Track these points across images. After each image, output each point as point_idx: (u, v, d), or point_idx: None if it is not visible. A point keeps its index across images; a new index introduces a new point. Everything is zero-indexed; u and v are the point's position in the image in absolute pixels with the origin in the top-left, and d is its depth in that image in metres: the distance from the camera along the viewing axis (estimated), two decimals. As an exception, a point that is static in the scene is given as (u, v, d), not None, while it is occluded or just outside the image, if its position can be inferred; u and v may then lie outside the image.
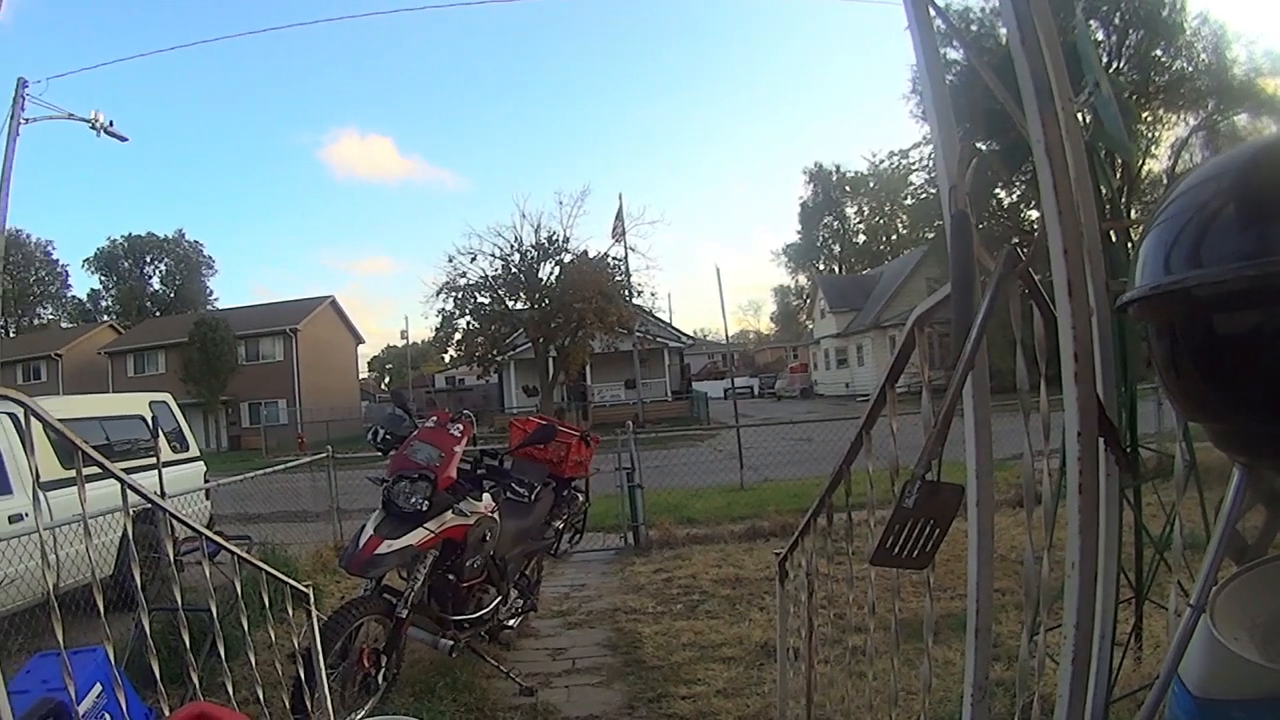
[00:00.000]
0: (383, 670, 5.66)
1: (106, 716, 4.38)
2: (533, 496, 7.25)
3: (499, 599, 6.83)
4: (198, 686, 3.63)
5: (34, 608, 6.79)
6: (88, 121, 23.15)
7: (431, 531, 5.85)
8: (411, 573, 5.91)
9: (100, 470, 3.08)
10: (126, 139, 25.00)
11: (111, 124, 23.65)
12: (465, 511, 6.11)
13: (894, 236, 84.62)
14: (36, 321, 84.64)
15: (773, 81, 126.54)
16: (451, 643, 6.16)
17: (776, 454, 16.56)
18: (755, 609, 7.90)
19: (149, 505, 3.56)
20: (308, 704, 4.80)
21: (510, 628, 7.37)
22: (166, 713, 3.42)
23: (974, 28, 38.76)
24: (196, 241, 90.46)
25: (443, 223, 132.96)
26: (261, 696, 4.23)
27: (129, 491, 3.33)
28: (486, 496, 6.52)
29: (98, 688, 4.42)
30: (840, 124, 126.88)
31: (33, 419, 2.79)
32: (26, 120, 20.58)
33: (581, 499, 8.30)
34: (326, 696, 4.76)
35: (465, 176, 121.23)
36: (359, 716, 5.39)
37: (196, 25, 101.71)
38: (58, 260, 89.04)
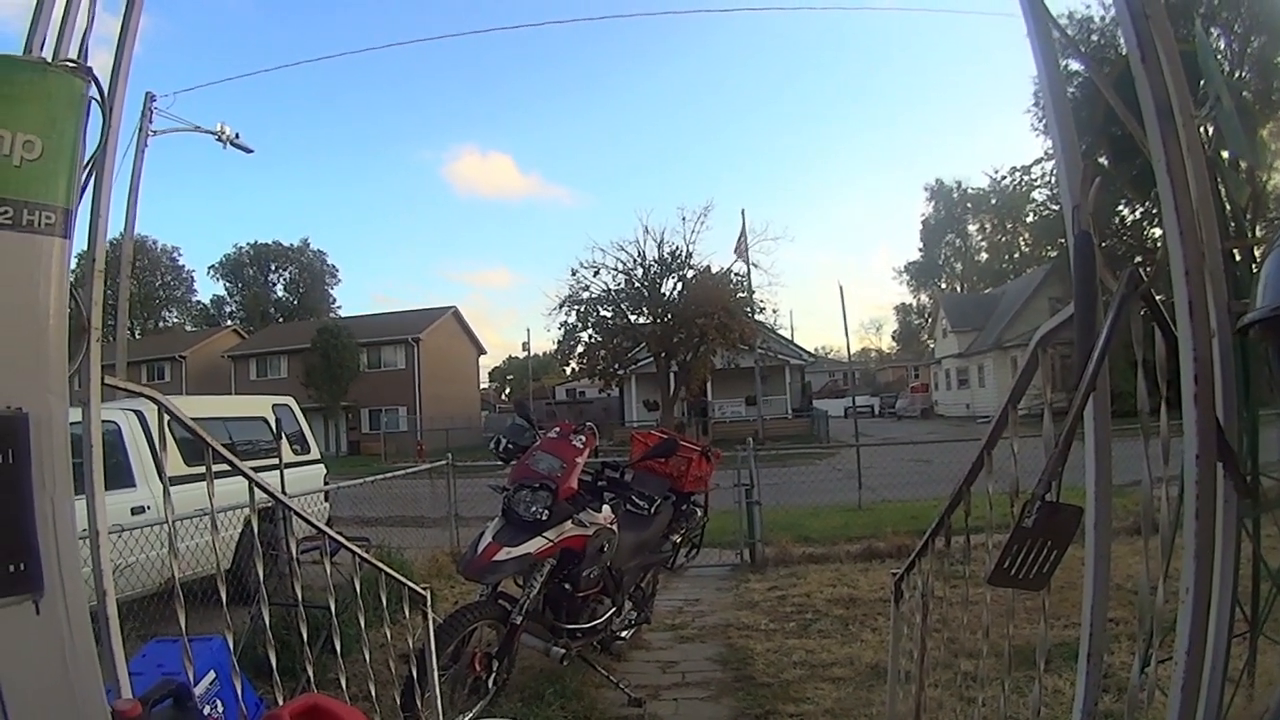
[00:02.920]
0: (493, 675, 5.73)
1: (218, 703, 4.54)
2: (652, 510, 7.27)
3: (613, 610, 6.86)
4: (311, 679, 3.74)
5: (148, 596, 6.99)
6: (214, 134, 23.78)
7: (550, 541, 5.90)
8: (528, 580, 5.96)
9: (207, 470, 3.20)
10: (252, 151, 25.59)
11: (237, 136, 24.21)
12: (584, 522, 6.15)
13: (1016, 255, 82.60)
14: (161, 324, 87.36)
15: (895, 95, 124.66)
16: (563, 651, 6.21)
17: (895, 475, 16.37)
18: (867, 630, 7.80)
19: (270, 504, 3.67)
20: (418, 703, 4.89)
21: (622, 639, 7.39)
22: (280, 702, 3.52)
23: (1095, 38, 37.82)
24: (321, 251, 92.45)
25: (563, 237, 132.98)
26: (374, 693, 4.34)
27: (253, 489, 3.44)
28: (606, 508, 6.54)
29: (211, 674, 4.58)
30: (962, 139, 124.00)
31: (161, 417, 2.91)
32: (154, 133, 21.24)
33: (700, 514, 8.23)
34: (437, 697, 4.85)
35: (585, 193, 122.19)
36: (467, 718, 5.48)
37: (323, 41, 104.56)
38: (183, 266, 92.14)
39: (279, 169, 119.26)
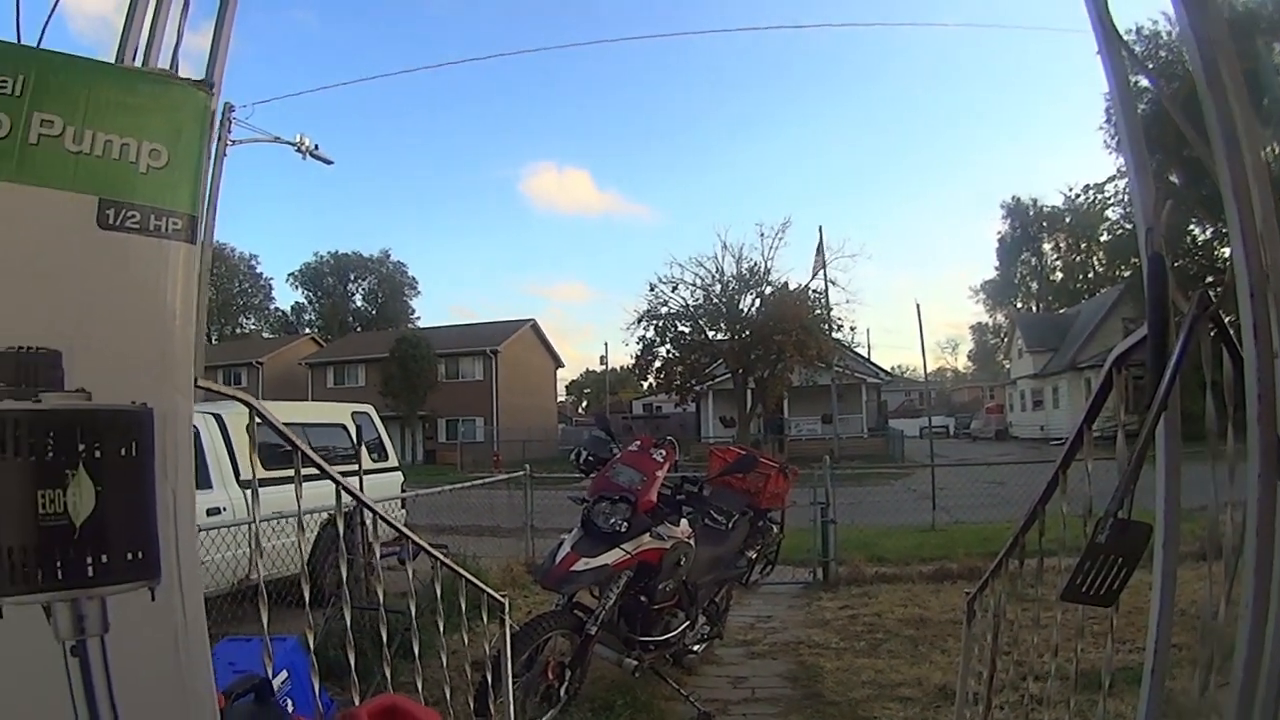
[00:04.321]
0: (566, 684, 5.79)
1: (289, 701, 4.65)
2: (729, 525, 7.31)
3: (687, 623, 6.89)
4: (389, 680, 3.84)
5: (220, 596, 7.12)
6: (293, 145, 24.09)
7: (628, 553, 5.96)
8: (604, 591, 6.02)
9: (295, 472, 3.30)
10: (331, 162, 25.90)
11: (317, 147, 24.49)
12: (662, 535, 6.19)
13: (1090, 274, 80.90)
14: (239, 331, 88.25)
15: (973, 110, 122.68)
16: (636, 663, 6.27)
17: (968, 496, 16.15)
18: (937, 651, 7.76)
19: (348, 508, 3.76)
20: (490, 708, 4.98)
21: (695, 653, 7.40)
22: (356, 702, 3.62)
23: (1163, 53, 37.15)
24: (401, 263, 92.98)
25: (641, 253, 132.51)
26: (448, 696, 4.44)
27: (339, 493, 3.53)
28: (684, 522, 6.58)
29: (284, 673, 4.70)
30: (1038, 155, 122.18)
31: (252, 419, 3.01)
32: (234, 142, 21.61)
33: (776, 530, 8.29)
34: (510, 703, 4.92)
35: (663, 209, 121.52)
36: None
37: (403, 56, 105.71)
38: (261, 274, 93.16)
39: (360, 181, 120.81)
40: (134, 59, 2.50)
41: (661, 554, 6.20)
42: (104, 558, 1.46)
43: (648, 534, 6.09)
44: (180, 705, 1.58)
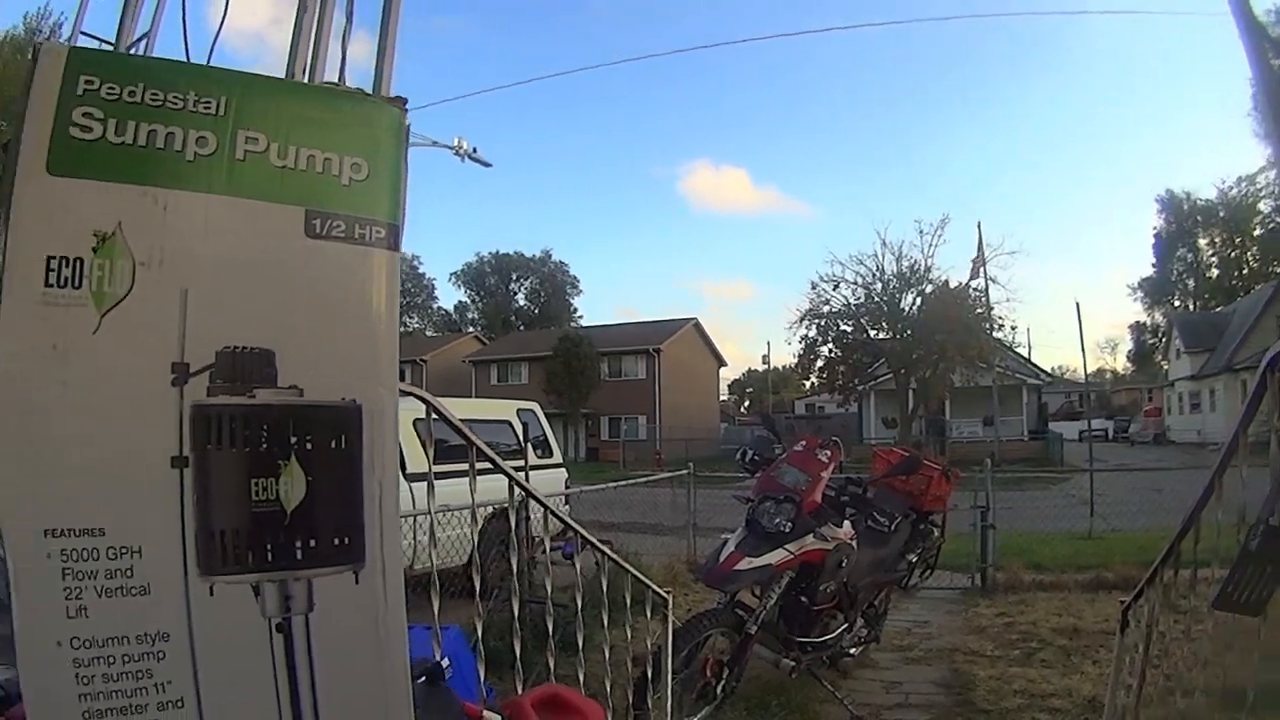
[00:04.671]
0: (723, 682, 5.78)
1: (449, 685, 4.76)
2: (891, 527, 7.22)
3: (845, 626, 6.85)
4: (551, 671, 3.93)
5: None
6: (451, 148, 24.46)
7: (791, 553, 5.94)
8: (766, 591, 6.01)
9: (458, 467, 3.38)
10: (490, 164, 26.26)
11: (475, 150, 24.85)
12: (825, 536, 6.15)
13: (1245, 270, 76.81)
14: (402, 329, 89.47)
15: (1128, 101, 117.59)
16: (793, 664, 6.25)
17: (1126, 503, 15.56)
18: (1088, 661, 7.52)
19: (506, 503, 3.84)
20: (648, 703, 5.04)
21: (851, 656, 7.35)
22: (519, 692, 3.69)
23: None
24: (562, 262, 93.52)
25: (801, 250, 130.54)
26: (608, 690, 4.52)
27: (512, 487, 3.62)
28: (847, 524, 6.51)
29: (446, 660, 4.81)
30: (1192, 145, 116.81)
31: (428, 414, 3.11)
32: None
33: (937, 534, 8.18)
34: (667, 699, 4.97)
35: (820, 205, 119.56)
36: None
37: (558, 58, 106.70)
38: (424, 274, 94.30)
39: (519, 183, 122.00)
40: (303, 73, 2.63)
41: (824, 555, 6.16)
42: (312, 542, 1.56)
43: (811, 535, 6.05)
44: (377, 683, 1.66)
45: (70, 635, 1.43)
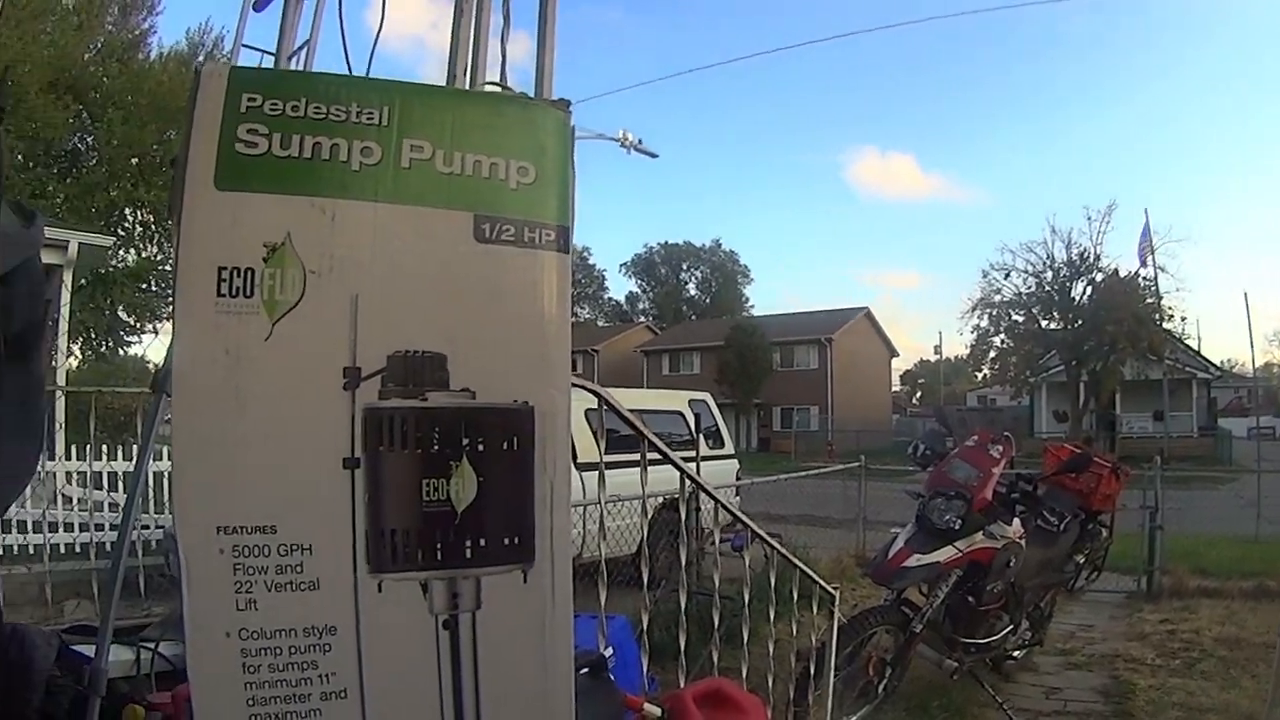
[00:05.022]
0: (885, 680, 5.73)
1: (612, 676, 4.79)
2: (1060, 527, 7.04)
3: (1009, 628, 6.68)
4: (715, 663, 3.91)
5: None
6: (616, 140, 24.69)
7: (960, 551, 5.85)
8: (933, 589, 5.93)
9: (629, 457, 3.38)
10: (656, 155, 26.43)
11: (640, 141, 25.04)
12: (995, 535, 6.03)
13: None
14: (573, 320, 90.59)
15: None
16: (956, 665, 6.13)
17: (1293, 506, 14.94)
18: (1247, 675, 7.21)
19: (676, 494, 3.83)
20: (809, 699, 5.00)
21: (1014, 659, 7.16)
22: (682, 683, 3.70)
23: None
24: (732, 251, 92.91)
25: (972, 238, 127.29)
26: (770, 684, 4.48)
27: (657, 478, 3.59)
28: (1016, 522, 6.37)
29: (610, 650, 4.84)
30: None
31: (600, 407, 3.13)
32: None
33: (1105, 535, 7.93)
34: (828, 696, 4.92)
35: (990, 191, 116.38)
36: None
37: (720, 45, 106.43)
38: (594, 265, 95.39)
39: (686, 173, 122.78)
40: (463, 75, 2.65)
41: (993, 554, 6.01)
42: (482, 542, 1.57)
43: (980, 533, 5.93)
44: (539, 681, 1.67)
45: (239, 627, 1.46)
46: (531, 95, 2.22)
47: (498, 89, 2.70)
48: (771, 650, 4.41)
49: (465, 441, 1.55)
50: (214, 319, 1.44)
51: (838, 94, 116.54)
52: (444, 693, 1.57)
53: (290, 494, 1.49)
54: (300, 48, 3.70)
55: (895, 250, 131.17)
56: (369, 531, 1.52)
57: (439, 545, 1.55)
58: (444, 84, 2.65)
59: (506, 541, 1.60)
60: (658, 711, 2.94)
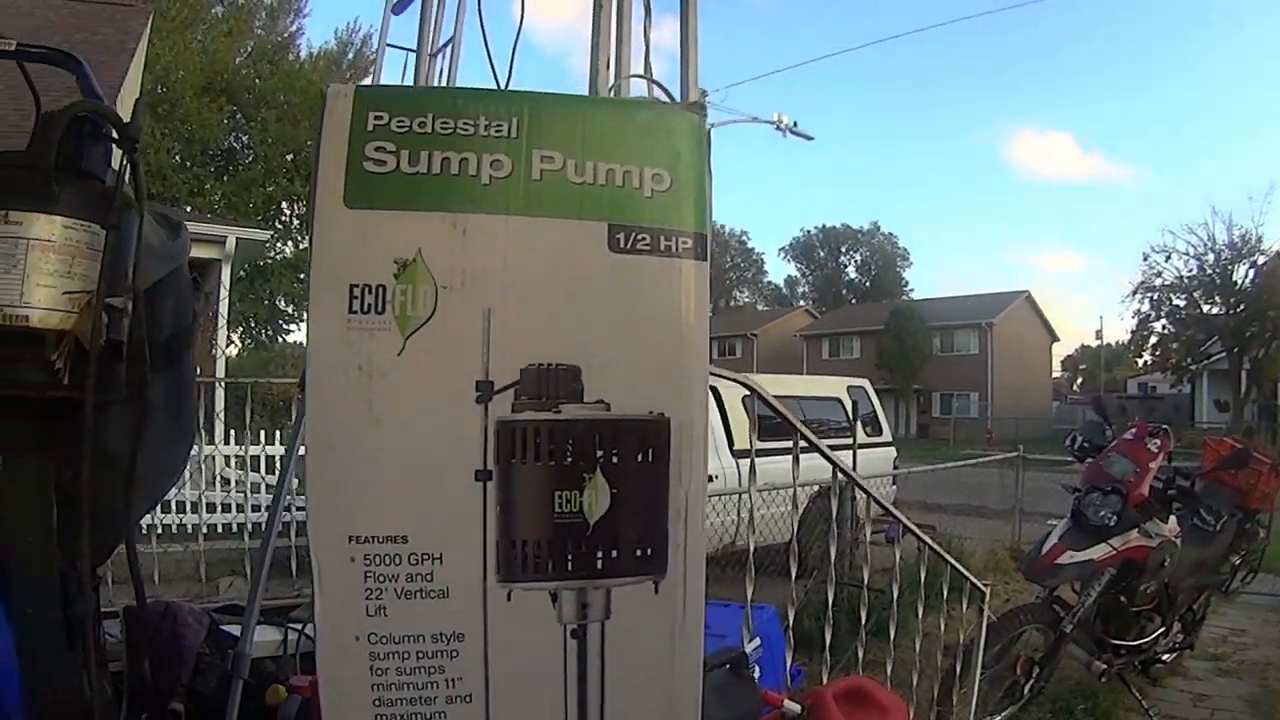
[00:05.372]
0: (1031, 681, 5.56)
1: (758, 668, 4.75)
2: (1217, 526, 6.73)
3: (1161, 630, 6.38)
4: (860, 659, 3.86)
5: (706, 560, 7.34)
6: (771, 123, 24.69)
7: (1114, 549, 5.60)
8: (1085, 588, 5.70)
9: (784, 445, 3.34)
10: (812, 138, 26.41)
11: (795, 124, 25.02)
12: (1150, 532, 5.77)
13: None
14: (732, 304, 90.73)
15: None
16: (1105, 666, 5.90)
17: None
18: None
19: (829, 482, 3.78)
20: (953, 697, 4.89)
21: (1164, 662, 6.81)
22: (825, 677, 3.66)
23: None
24: (891, 234, 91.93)
25: (1132, 219, 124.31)
26: (914, 681, 4.40)
27: (813, 465, 3.55)
28: (1172, 519, 6.09)
29: (757, 640, 4.81)
30: None
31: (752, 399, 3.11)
32: (712, 125, 22.48)
33: (1262, 535, 7.56)
34: (973, 695, 4.82)
35: (1151, 170, 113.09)
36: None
37: (871, 26, 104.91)
38: (753, 249, 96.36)
39: (842, 156, 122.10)
40: (607, 69, 2.63)
41: (1147, 553, 5.76)
42: (614, 553, 1.56)
43: (1135, 530, 5.67)
44: (667, 692, 1.66)
45: (368, 632, 1.50)
46: (678, 89, 2.20)
47: (641, 79, 2.68)
48: (918, 646, 4.32)
49: (599, 453, 1.54)
50: (346, 335, 1.45)
51: (992, 71, 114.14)
52: (569, 700, 1.58)
53: (422, 505, 1.50)
54: (445, 45, 3.77)
55: (1055, 232, 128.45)
56: (499, 542, 1.52)
57: (570, 556, 1.55)
58: (589, 77, 2.66)
59: (638, 553, 1.59)
60: (797, 709, 2.93)
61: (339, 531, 1.49)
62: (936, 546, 4.33)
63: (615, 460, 1.54)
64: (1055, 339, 66.31)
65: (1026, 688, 5.57)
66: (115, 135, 1.53)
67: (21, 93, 1.68)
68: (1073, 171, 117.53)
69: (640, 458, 1.56)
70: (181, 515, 9.11)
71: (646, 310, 1.57)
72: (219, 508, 10.07)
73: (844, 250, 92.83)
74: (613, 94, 2.76)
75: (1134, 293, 45.87)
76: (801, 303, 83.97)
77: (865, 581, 3.89)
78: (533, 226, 1.53)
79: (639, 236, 1.57)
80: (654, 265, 1.57)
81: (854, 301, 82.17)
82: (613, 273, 1.55)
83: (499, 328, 1.50)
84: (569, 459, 1.53)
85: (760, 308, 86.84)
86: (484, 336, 1.50)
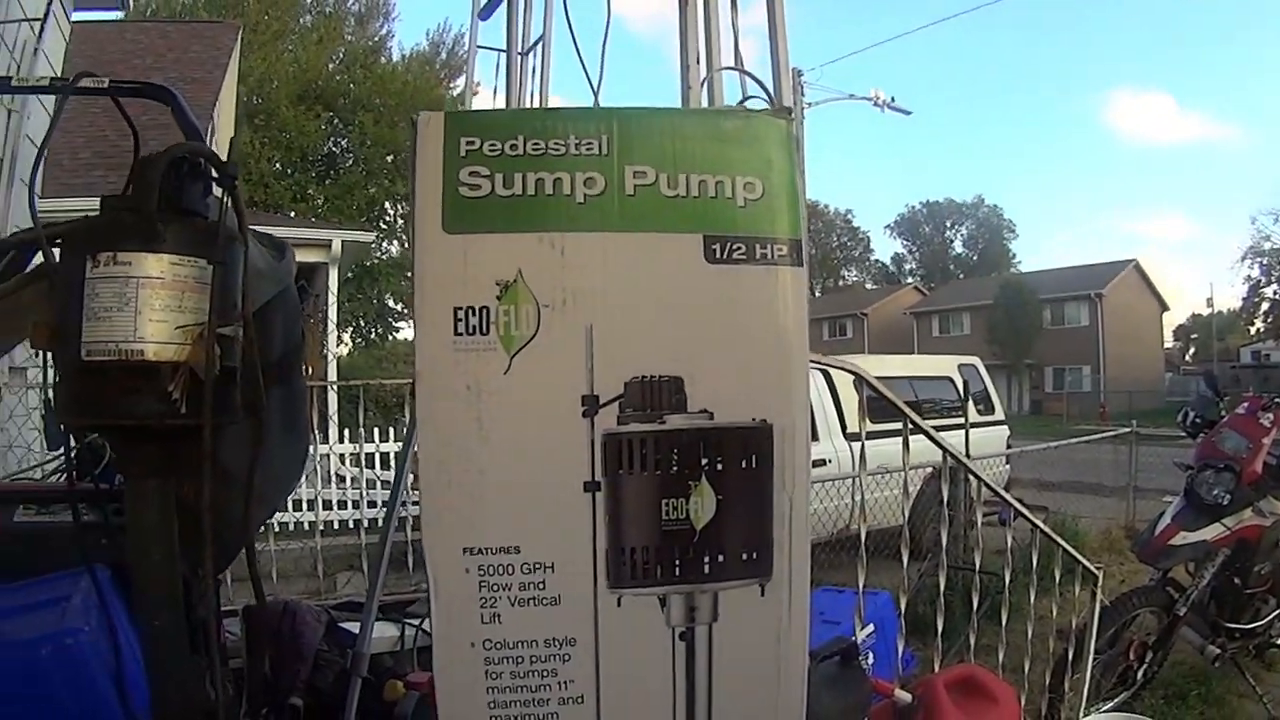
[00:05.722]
0: (1145, 666, 5.46)
1: (870, 654, 4.72)
2: None
3: (1276, 613, 6.11)
4: (972, 645, 3.82)
5: (820, 544, 7.28)
6: (869, 100, 24.50)
7: (1227, 528, 5.44)
8: (1199, 569, 5.56)
9: (895, 427, 3.32)
10: (909, 112, 26.19)
11: (893, 100, 24.81)
12: (1264, 511, 5.59)
13: None
14: (841, 283, 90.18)
15: None
16: (1218, 651, 5.72)
17: None
18: None
19: (941, 464, 3.75)
20: (1065, 684, 4.81)
21: (1278, 646, 6.66)
22: (937, 665, 3.64)
23: None
24: (996, 206, 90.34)
25: (1239, 180, 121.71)
26: (1026, 667, 4.34)
27: (926, 446, 3.52)
28: None
29: (870, 626, 4.78)
30: None
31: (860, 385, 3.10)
32: (809, 105, 22.33)
33: None
34: (1086, 680, 4.73)
35: (1255, 129, 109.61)
36: (1107, 708, 5.26)
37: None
38: (858, 227, 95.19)
39: (941, 129, 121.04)
40: (697, 63, 2.63)
41: (1261, 532, 5.58)
42: (720, 557, 1.58)
43: (1250, 509, 5.50)
44: (773, 692, 1.68)
45: (484, 638, 1.54)
46: (768, 77, 2.20)
47: (733, 71, 2.68)
48: (1030, 630, 4.26)
49: (704, 461, 1.56)
50: (453, 356, 1.49)
51: (1085, 31, 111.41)
52: (677, 700, 1.60)
53: (533, 517, 1.54)
54: (535, 43, 3.82)
55: (1160, 196, 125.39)
56: (609, 550, 1.55)
57: (677, 561, 1.57)
58: (679, 72, 2.66)
59: (744, 557, 1.60)
60: (908, 698, 2.93)
61: (454, 544, 1.53)
62: (1047, 529, 4.26)
63: (720, 467, 1.56)
64: (1165, 308, 63.76)
65: (1139, 673, 5.45)
66: (214, 174, 1.57)
67: (123, 121, 1.72)
68: (1174, 133, 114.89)
69: (744, 464, 1.57)
70: (299, 513, 9.32)
71: (745, 319, 1.58)
72: (335, 505, 10.39)
73: (949, 225, 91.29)
74: (705, 87, 2.77)
75: (1243, 258, 44.67)
76: (909, 279, 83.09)
77: (978, 565, 3.85)
78: (629, 242, 1.54)
79: (734, 246, 1.58)
80: (751, 274, 1.58)
81: (961, 276, 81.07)
82: (710, 283, 1.56)
83: (601, 343, 1.52)
84: (675, 468, 1.54)
85: (869, 286, 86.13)
86: (587, 352, 1.52)
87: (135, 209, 1.45)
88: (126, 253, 1.43)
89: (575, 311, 1.51)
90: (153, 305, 1.43)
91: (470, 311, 1.50)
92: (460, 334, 1.49)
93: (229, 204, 1.53)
